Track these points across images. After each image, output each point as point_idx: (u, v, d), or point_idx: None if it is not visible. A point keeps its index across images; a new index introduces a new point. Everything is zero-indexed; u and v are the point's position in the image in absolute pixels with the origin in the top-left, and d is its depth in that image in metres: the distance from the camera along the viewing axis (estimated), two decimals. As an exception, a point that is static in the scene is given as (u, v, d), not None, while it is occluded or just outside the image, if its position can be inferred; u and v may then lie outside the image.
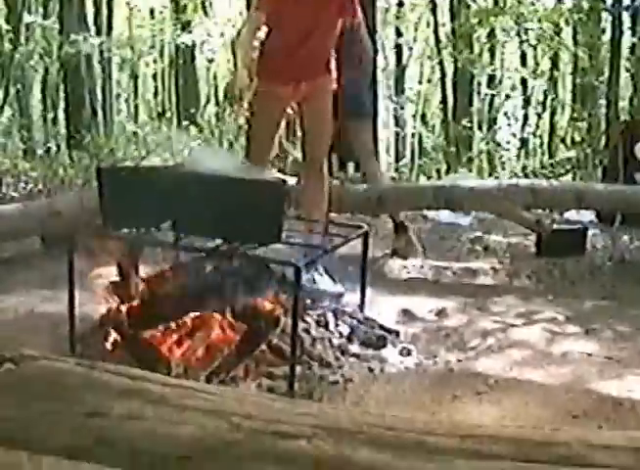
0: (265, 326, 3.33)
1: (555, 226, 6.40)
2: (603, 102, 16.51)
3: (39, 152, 14.60)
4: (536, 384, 3.42)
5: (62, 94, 18.33)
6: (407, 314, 4.42)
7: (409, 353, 3.71)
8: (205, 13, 19.79)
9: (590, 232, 6.58)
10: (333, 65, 4.78)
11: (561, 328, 4.29)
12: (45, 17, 17.97)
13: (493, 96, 19.97)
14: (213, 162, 3.24)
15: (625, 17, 16.80)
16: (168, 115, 20.89)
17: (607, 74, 16.43)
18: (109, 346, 3.37)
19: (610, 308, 4.73)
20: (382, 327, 3.86)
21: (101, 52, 16.95)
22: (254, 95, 4.53)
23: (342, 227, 3.95)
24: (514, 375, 3.53)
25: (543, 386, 3.39)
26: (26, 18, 15.53)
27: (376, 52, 5.80)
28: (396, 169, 15.94)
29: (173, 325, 3.27)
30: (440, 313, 4.50)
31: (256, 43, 4.67)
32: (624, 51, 16.84)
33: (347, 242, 3.46)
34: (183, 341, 3.25)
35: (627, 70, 16.85)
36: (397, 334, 3.88)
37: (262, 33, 4.67)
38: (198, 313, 3.29)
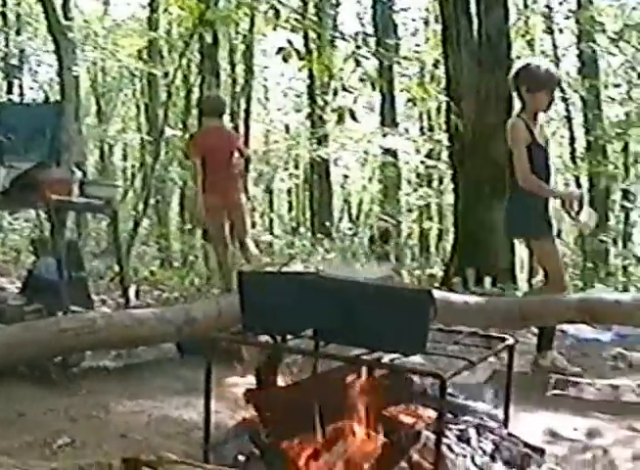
0: (406, 441, 3.19)
1: None
2: None
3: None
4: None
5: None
6: (551, 433, 4.23)
7: (555, 475, 3.51)
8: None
9: None
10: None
11: None
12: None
13: (628, 210, 19.67)
14: (352, 270, 3.18)
15: None
16: (302, 229, 21.26)
17: None
18: (243, 456, 3.30)
19: None
20: (526, 445, 3.66)
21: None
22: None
23: (484, 339, 3.82)
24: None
25: None
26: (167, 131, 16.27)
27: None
28: (531, 286, 15.73)
29: (311, 437, 3.17)
30: (587, 433, 4.27)
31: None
32: None
33: (495, 354, 3.33)
34: (320, 454, 3.15)
35: None
36: (542, 453, 3.67)
37: None
38: (337, 425, 3.19)
